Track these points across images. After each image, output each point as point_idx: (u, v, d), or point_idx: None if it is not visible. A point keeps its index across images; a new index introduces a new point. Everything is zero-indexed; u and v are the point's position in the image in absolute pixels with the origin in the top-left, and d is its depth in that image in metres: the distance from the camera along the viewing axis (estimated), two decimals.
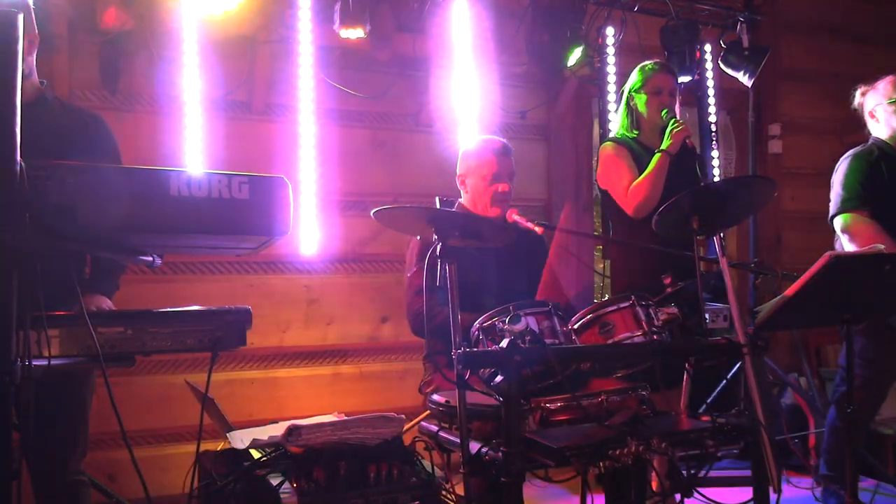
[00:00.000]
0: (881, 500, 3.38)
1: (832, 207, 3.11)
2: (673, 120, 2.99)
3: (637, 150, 3.08)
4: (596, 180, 3.22)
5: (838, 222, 3.07)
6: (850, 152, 3.18)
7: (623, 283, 3.13)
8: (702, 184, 2.88)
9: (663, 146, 2.98)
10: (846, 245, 3.04)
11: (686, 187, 2.38)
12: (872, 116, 3.21)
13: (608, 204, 3.19)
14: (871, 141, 3.21)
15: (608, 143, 3.18)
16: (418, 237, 2.68)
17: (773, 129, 4.80)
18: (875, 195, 3.03)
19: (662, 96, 3.06)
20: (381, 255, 3.77)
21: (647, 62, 3.17)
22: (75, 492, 2.33)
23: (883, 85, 3.19)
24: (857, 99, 3.29)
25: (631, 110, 3.15)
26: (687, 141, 2.97)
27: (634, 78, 3.14)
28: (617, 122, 3.27)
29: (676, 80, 3.18)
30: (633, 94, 3.13)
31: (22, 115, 1.47)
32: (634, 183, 2.97)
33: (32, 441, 1.97)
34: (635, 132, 3.14)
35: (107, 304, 2.36)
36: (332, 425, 2.04)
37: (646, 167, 2.97)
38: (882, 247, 2.73)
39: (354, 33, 3.37)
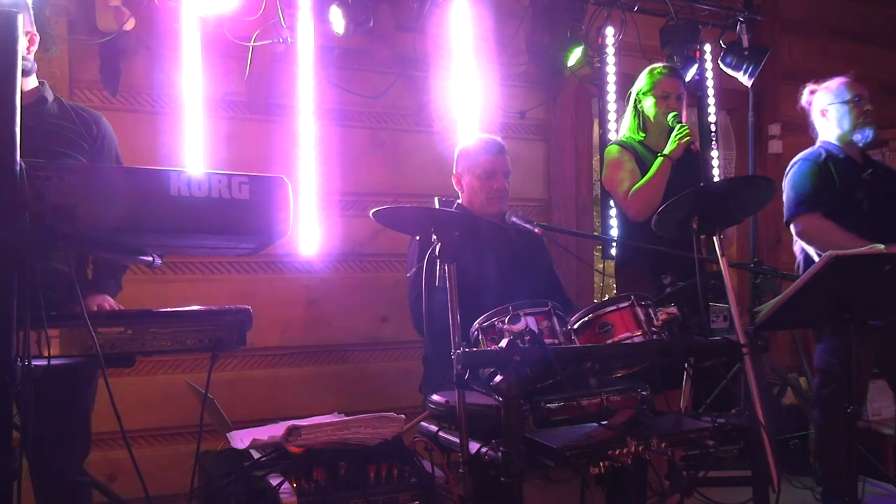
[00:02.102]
0: (873, 496, 3.38)
1: (786, 212, 3.14)
2: (679, 125, 3.00)
3: (642, 153, 3.10)
4: (602, 182, 3.23)
5: (794, 226, 3.11)
6: (798, 156, 3.22)
7: (628, 283, 3.13)
8: (702, 184, 2.88)
9: (666, 151, 2.99)
10: (805, 247, 3.08)
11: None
12: (823, 115, 3.23)
13: (616, 205, 3.20)
14: (818, 144, 3.24)
15: (613, 146, 3.20)
16: (417, 237, 2.69)
17: (773, 129, 4.80)
18: (826, 196, 3.05)
19: (670, 100, 3.08)
20: (381, 255, 3.77)
21: (656, 65, 3.18)
22: (77, 492, 2.33)
23: (837, 85, 3.22)
24: (805, 97, 3.30)
25: (638, 113, 3.16)
26: (692, 147, 2.99)
27: (643, 81, 3.15)
28: (625, 124, 3.28)
29: (684, 84, 3.20)
30: (641, 97, 3.15)
31: (22, 115, 1.47)
32: (635, 187, 2.98)
33: (34, 441, 1.97)
34: (642, 134, 3.15)
35: (110, 302, 2.36)
36: (331, 425, 2.04)
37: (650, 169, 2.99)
38: (882, 247, 2.74)
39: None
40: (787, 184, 3.18)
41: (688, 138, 2.97)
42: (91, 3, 3.08)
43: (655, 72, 3.14)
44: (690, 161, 3.06)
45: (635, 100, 3.17)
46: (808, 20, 4.99)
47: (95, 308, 2.28)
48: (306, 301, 3.63)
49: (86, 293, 2.35)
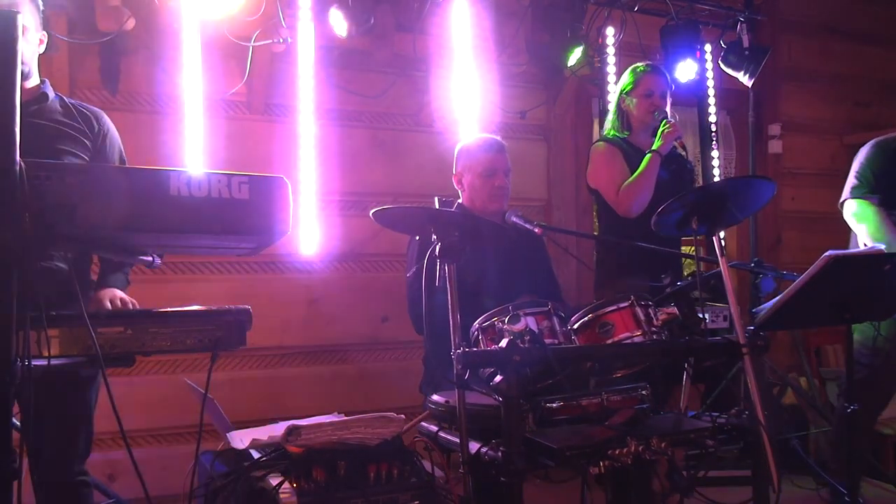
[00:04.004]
0: (873, 496, 3.38)
1: (843, 193, 3.14)
2: (664, 121, 3.01)
3: (628, 150, 3.10)
4: (587, 178, 3.21)
5: (846, 207, 3.12)
6: (874, 140, 3.20)
7: (611, 279, 3.12)
8: (699, 184, 2.89)
9: (654, 146, 3.00)
10: (854, 228, 3.09)
11: (678, 190, 2.39)
12: None
13: (598, 202, 3.19)
14: None
15: (600, 142, 3.20)
16: (417, 237, 2.69)
17: (773, 129, 4.80)
18: (885, 184, 3.04)
19: (654, 98, 3.08)
20: (381, 255, 3.77)
21: (638, 64, 3.19)
22: (77, 492, 2.32)
23: None
24: None
25: (622, 111, 3.17)
26: (677, 142, 2.99)
27: (626, 79, 3.16)
28: (607, 123, 3.27)
29: (668, 82, 3.20)
30: (625, 95, 3.15)
31: (23, 113, 1.47)
32: (626, 183, 2.99)
33: (34, 441, 1.97)
34: (626, 132, 3.15)
35: (122, 296, 2.35)
36: (331, 425, 2.04)
37: (637, 167, 2.98)
38: (883, 247, 2.74)
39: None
40: (853, 166, 3.17)
41: (673, 132, 2.98)
42: (91, 3, 3.07)
43: (638, 70, 3.15)
44: (677, 161, 3.07)
45: (619, 98, 3.18)
46: (808, 20, 4.99)
47: (108, 302, 2.28)
48: (306, 301, 3.63)
49: (95, 288, 2.35)
